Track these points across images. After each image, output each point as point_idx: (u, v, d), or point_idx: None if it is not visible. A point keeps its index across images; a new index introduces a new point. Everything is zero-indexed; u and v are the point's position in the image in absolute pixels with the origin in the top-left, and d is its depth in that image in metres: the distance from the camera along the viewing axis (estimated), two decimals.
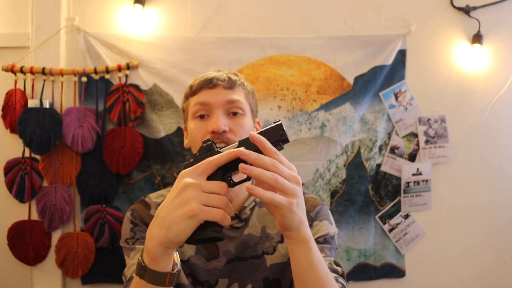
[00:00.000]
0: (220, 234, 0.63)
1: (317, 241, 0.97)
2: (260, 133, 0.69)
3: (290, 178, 0.65)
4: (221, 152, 0.68)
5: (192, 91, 1.04)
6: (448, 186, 1.84)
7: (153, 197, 1.10)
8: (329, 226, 1.01)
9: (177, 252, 0.71)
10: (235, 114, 1.01)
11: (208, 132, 0.98)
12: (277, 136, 0.69)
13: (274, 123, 0.71)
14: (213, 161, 0.65)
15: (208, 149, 0.70)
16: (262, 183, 0.65)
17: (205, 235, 0.63)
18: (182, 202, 0.62)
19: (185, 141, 1.13)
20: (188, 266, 0.98)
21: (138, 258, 0.70)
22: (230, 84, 1.02)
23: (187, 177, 0.64)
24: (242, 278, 0.98)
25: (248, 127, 1.02)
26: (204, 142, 0.71)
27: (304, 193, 1.12)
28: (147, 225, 1.03)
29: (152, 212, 1.05)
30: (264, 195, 0.63)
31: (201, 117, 1.01)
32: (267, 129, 0.70)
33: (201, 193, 0.62)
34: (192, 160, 0.72)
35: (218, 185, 0.63)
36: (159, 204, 1.06)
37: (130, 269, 0.94)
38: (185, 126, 1.10)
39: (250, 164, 0.64)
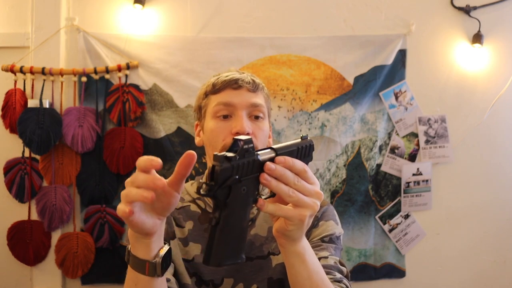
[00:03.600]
0: (236, 259, 0.60)
1: (322, 240, 0.97)
2: (293, 150, 0.64)
3: (311, 193, 0.64)
4: (258, 155, 0.60)
5: (215, 89, 1.02)
6: (448, 186, 1.84)
7: None
8: (335, 226, 1.01)
9: (169, 246, 0.71)
10: (257, 117, 1.00)
11: (232, 133, 0.96)
12: (307, 155, 0.66)
13: (302, 138, 0.66)
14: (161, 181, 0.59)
15: (248, 153, 0.58)
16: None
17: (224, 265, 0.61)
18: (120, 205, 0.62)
19: (197, 139, 1.10)
20: (193, 266, 0.97)
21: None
22: (254, 87, 1.01)
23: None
24: (247, 278, 0.98)
25: (267, 131, 1.03)
26: (245, 142, 0.58)
27: None
28: None
29: None
30: (276, 211, 0.62)
31: (224, 117, 0.99)
32: (299, 146, 0.65)
33: (127, 189, 0.59)
34: (227, 160, 0.56)
35: (144, 178, 0.58)
36: None
37: None
38: (198, 123, 1.09)
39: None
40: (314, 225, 1.01)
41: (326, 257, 0.92)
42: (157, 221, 0.65)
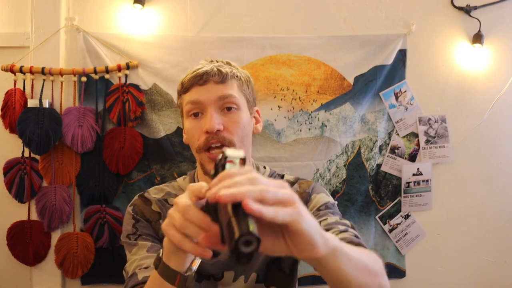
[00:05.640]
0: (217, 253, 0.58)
1: (319, 209, 0.97)
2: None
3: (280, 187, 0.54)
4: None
5: (184, 89, 1.02)
6: (449, 186, 1.84)
7: (152, 192, 1.10)
8: (326, 197, 1.02)
9: (200, 260, 0.71)
10: (229, 109, 0.98)
11: (203, 132, 0.96)
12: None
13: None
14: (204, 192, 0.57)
15: (222, 168, 0.58)
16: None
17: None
18: (170, 221, 0.59)
19: (184, 137, 1.11)
20: None
21: (160, 249, 0.70)
22: (222, 78, 0.97)
23: (185, 195, 0.59)
24: (247, 268, 0.98)
25: (244, 121, 0.99)
26: (219, 160, 0.59)
27: (298, 179, 1.11)
28: (148, 221, 1.03)
29: (154, 207, 1.05)
30: (266, 212, 0.49)
31: (195, 115, 0.99)
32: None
33: (181, 219, 0.56)
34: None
35: (200, 218, 0.55)
36: (159, 200, 1.06)
37: (132, 264, 0.94)
38: (182, 122, 1.09)
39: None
40: (307, 200, 1.02)
41: (325, 219, 0.92)
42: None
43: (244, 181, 0.50)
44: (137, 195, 1.10)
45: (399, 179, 1.81)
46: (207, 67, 0.99)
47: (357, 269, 0.64)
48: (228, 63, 1.05)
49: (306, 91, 1.76)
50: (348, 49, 1.77)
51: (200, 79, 0.97)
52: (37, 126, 1.62)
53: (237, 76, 1.02)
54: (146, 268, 0.91)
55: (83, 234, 1.67)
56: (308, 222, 0.52)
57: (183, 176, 1.14)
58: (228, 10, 1.76)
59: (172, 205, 1.04)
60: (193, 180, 1.10)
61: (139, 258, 0.94)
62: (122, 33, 1.72)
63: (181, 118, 1.09)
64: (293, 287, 1.06)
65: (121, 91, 1.69)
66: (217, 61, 1.05)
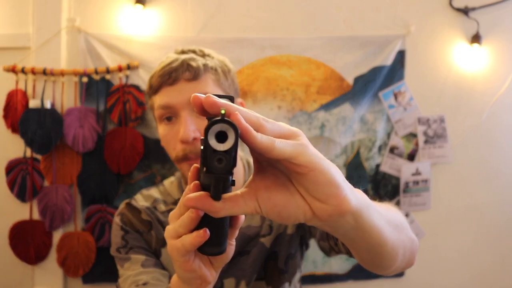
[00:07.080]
0: (218, 249, 0.51)
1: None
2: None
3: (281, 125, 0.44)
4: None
5: (152, 90, 0.89)
6: (447, 186, 1.84)
7: (139, 200, 1.02)
8: None
9: None
10: None
11: (178, 141, 0.86)
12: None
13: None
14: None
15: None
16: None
17: (204, 253, 0.52)
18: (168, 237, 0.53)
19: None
20: None
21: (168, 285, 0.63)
22: (194, 75, 0.84)
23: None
24: (248, 272, 0.94)
25: None
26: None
27: None
28: (139, 232, 0.98)
29: (144, 216, 0.99)
30: (259, 138, 0.41)
31: (168, 119, 0.88)
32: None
33: (172, 227, 0.50)
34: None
35: (181, 219, 0.50)
36: (148, 208, 1.00)
37: (126, 281, 0.89)
38: (156, 125, 0.97)
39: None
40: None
41: None
42: (213, 273, 0.55)
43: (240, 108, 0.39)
44: (124, 202, 1.03)
45: (398, 179, 1.82)
46: (176, 63, 0.85)
47: (388, 225, 0.52)
48: (202, 52, 0.92)
49: (306, 91, 1.77)
50: (348, 50, 1.78)
51: (168, 78, 0.85)
52: (39, 127, 1.63)
53: (211, 68, 0.88)
54: (144, 284, 0.86)
55: (84, 234, 1.69)
56: (319, 156, 0.40)
57: (170, 179, 1.07)
58: (228, 11, 1.77)
59: (161, 212, 0.98)
60: (180, 185, 1.03)
61: (133, 274, 0.90)
62: (123, 34, 1.73)
63: (154, 119, 0.97)
64: (290, 284, 1.04)
65: (121, 91, 1.70)
66: (188, 51, 0.92)
